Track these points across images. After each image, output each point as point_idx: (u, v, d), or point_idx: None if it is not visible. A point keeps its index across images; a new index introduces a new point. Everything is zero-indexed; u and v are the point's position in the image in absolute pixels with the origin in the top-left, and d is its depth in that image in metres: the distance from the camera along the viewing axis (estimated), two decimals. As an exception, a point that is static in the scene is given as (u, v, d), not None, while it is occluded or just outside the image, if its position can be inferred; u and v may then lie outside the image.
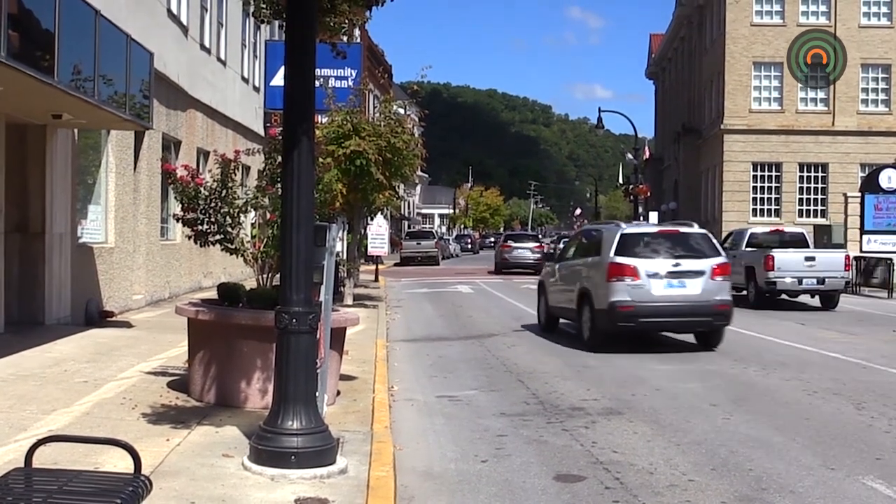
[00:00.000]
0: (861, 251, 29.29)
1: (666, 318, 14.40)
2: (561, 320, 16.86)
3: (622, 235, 14.66)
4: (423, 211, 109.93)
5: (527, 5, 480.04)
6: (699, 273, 14.34)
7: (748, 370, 12.53)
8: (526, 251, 41.30)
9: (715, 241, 15.56)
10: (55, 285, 14.07)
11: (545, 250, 42.73)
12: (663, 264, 14.33)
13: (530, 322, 18.87)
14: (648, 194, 51.50)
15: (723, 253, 15.28)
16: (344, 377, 10.11)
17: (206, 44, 23.31)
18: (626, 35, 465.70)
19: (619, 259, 14.23)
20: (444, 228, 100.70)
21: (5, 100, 11.28)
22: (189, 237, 9.43)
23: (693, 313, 14.31)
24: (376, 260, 33.66)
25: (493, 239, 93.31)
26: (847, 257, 23.53)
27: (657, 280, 14.16)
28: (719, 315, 14.38)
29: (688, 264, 14.38)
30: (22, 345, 11.54)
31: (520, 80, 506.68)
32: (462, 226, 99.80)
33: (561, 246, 31.39)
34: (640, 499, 6.55)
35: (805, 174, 47.57)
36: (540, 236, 43.75)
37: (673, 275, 14.24)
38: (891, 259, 27.16)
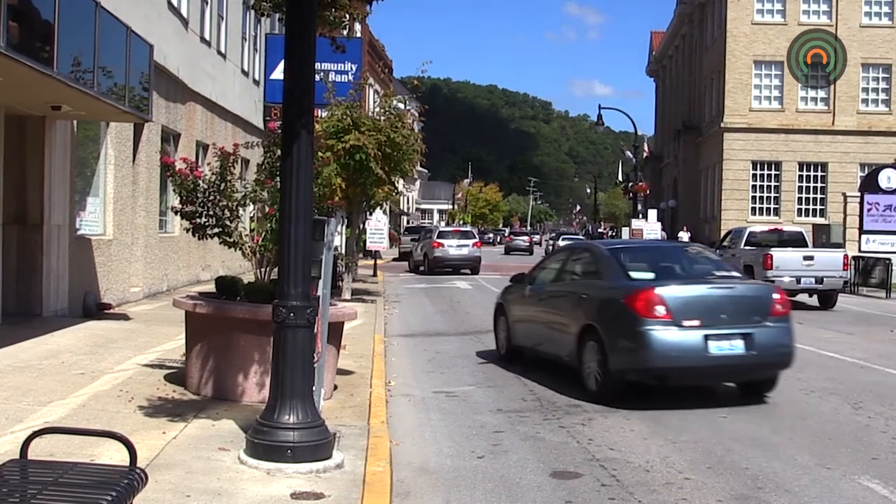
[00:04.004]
0: (860, 251, 29.30)
1: (454, 262, 35.26)
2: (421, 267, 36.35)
3: (438, 231, 37.33)
4: (422, 206, 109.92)
5: (527, 1, 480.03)
6: (467, 245, 35.60)
7: (745, 369, 12.51)
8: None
9: (475, 231, 41.58)
10: (53, 277, 14.05)
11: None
12: (454, 241, 35.61)
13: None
14: (647, 192, 51.47)
15: (478, 238, 38.68)
16: (341, 372, 10.10)
17: (207, 36, 23.28)
18: (625, 31, 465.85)
19: (437, 240, 35.64)
20: (442, 224, 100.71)
21: (4, 91, 11.24)
22: (187, 230, 9.42)
23: (464, 260, 35.45)
24: (375, 255, 33.67)
25: (491, 235, 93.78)
26: (846, 257, 23.54)
27: (451, 248, 35.26)
28: (475, 261, 35.60)
29: (463, 242, 35.70)
30: (19, 336, 11.53)
31: (520, 76, 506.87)
32: (461, 221, 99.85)
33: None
34: (636, 496, 6.55)
35: (804, 173, 47.59)
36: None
37: (457, 245, 35.39)
38: (889, 259, 27.17)
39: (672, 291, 9.91)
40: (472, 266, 35.76)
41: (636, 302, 9.76)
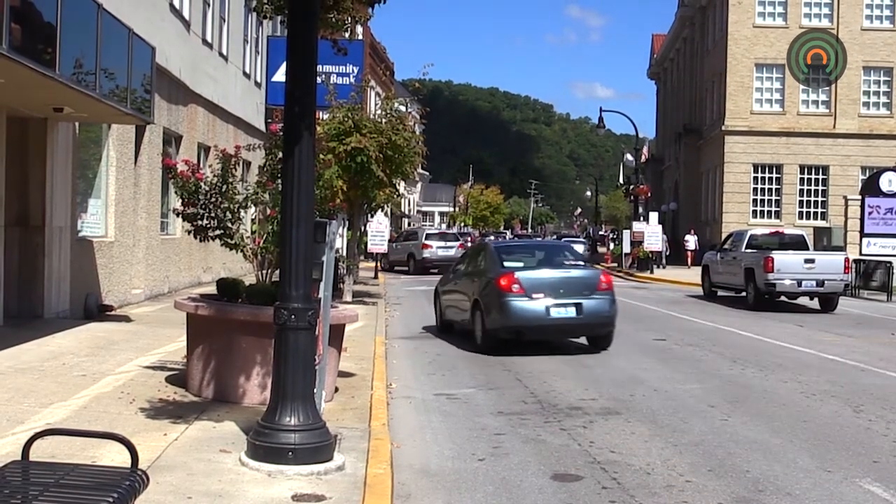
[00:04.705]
0: (861, 254, 29.27)
1: (440, 262, 36.30)
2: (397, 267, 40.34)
3: (426, 233, 41.03)
4: (424, 209, 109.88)
5: (528, 3, 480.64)
6: (453, 247, 38.01)
7: (746, 372, 12.54)
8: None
9: (459, 234, 45.42)
10: (54, 278, 14.07)
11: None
12: (440, 243, 39.04)
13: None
14: (649, 195, 51.48)
15: (461, 239, 41.32)
16: (342, 374, 10.11)
17: (208, 39, 23.30)
18: (626, 34, 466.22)
19: (426, 241, 39.02)
20: (444, 226, 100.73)
21: (6, 93, 11.27)
22: (189, 232, 9.43)
23: (450, 260, 30.06)
24: (376, 257, 33.68)
25: (492, 237, 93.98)
26: (846, 260, 23.48)
27: (439, 249, 38.45)
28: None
29: (449, 244, 38.77)
30: (20, 338, 11.54)
31: (521, 78, 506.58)
32: (462, 224, 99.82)
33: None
34: (636, 499, 6.55)
35: (805, 176, 47.54)
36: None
37: (444, 247, 38.51)
38: (890, 262, 27.14)
39: (526, 274, 14.10)
40: None
41: (500, 282, 13.88)
